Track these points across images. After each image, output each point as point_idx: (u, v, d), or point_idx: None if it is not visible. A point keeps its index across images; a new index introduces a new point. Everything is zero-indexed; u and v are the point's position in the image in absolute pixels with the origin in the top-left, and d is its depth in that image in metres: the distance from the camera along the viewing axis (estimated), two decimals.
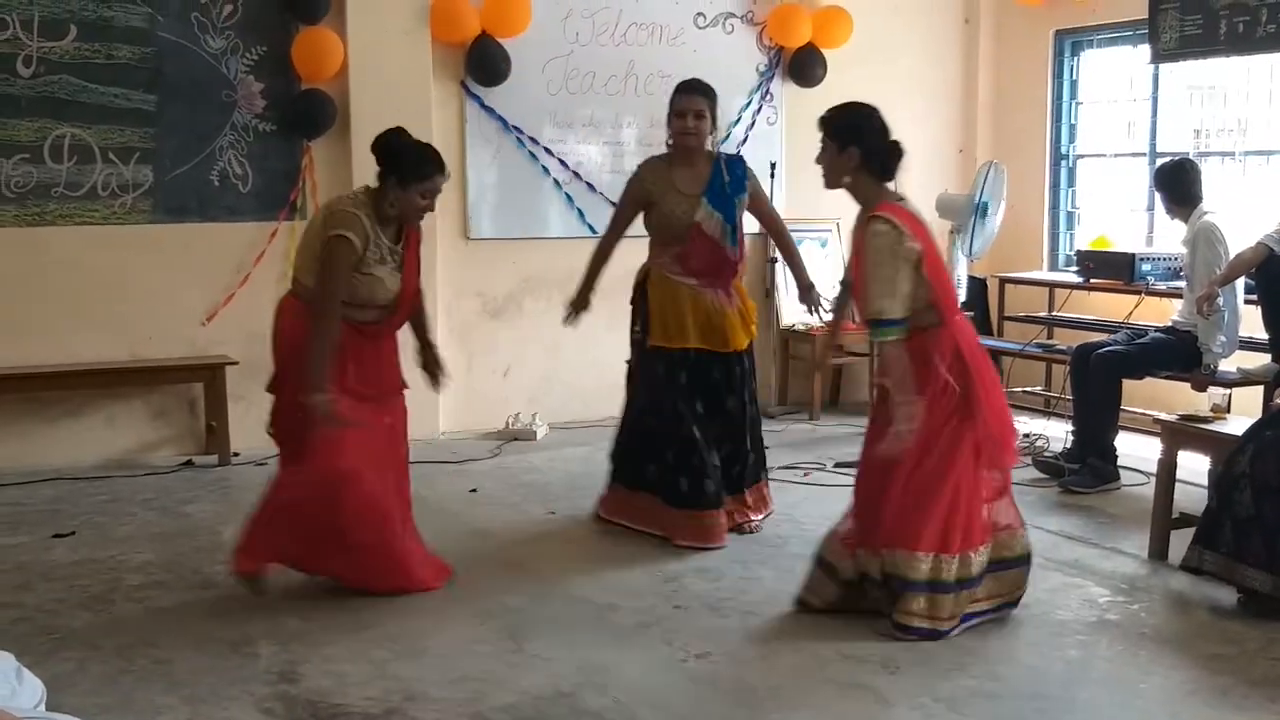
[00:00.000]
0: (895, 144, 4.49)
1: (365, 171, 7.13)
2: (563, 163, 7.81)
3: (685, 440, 5.30)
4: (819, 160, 4.50)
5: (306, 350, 4.46)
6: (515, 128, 7.70)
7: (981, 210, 7.01)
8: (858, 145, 4.41)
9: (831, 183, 4.51)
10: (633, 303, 5.54)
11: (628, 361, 5.62)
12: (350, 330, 4.59)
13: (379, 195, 4.58)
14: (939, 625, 4.25)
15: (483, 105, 7.59)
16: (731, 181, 5.36)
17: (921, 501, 4.24)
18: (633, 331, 5.54)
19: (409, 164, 4.54)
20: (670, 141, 5.39)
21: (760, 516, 5.60)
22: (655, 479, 5.39)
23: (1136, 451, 6.54)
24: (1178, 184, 6.37)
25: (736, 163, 5.49)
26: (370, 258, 4.53)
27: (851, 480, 4.66)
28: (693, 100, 5.31)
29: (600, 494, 5.72)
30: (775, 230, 5.78)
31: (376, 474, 4.64)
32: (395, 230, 4.65)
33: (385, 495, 4.70)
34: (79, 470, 6.67)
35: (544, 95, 7.74)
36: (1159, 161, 7.33)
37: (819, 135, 4.49)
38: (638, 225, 5.51)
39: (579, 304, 5.54)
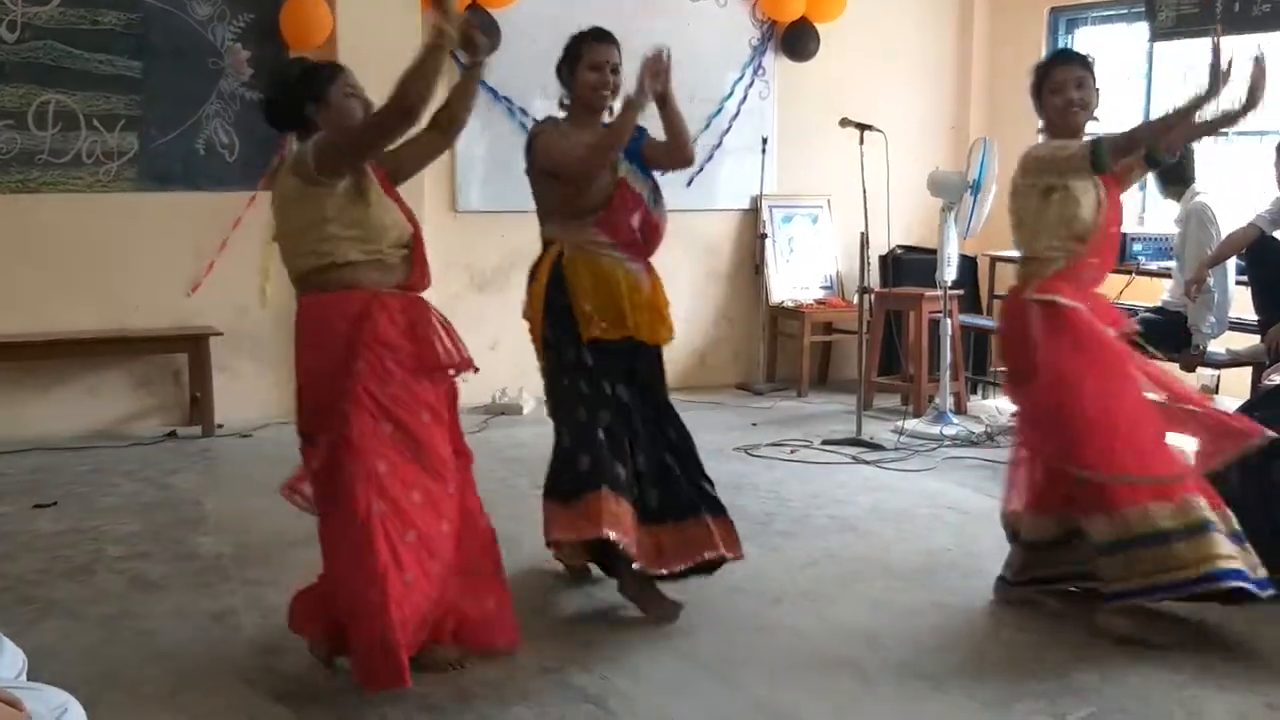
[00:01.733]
0: None
1: None
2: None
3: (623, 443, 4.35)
4: (1088, 100, 4.32)
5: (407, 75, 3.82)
6: (505, 98, 7.64)
7: (975, 188, 7.00)
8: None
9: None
10: (539, 299, 4.51)
11: (549, 395, 4.60)
12: (382, 298, 3.78)
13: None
14: None
15: None
16: (639, 135, 4.44)
17: None
18: (546, 337, 4.52)
19: (313, 79, 3.89)
20: (566, 102, 4.46)
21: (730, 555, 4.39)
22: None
23: None
24: (1171, 164, 6.34)
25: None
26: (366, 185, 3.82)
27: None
28: (610, 51, 4.35)
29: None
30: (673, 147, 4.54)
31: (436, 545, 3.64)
32: None
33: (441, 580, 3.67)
34: (62, 440, 6.63)
35: (534, 66, 7.67)
36: None
37: (1078, 73, 4.30)
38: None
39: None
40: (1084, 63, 4.35)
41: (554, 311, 4.44)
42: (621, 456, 4.28)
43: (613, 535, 4.10)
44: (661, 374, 4.52)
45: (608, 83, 4.35)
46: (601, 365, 4.35)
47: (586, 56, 4.36)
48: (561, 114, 4.49)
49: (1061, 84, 4.28)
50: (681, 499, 4.32)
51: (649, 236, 4.45)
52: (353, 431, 3.56)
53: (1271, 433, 4.18)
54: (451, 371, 4.02)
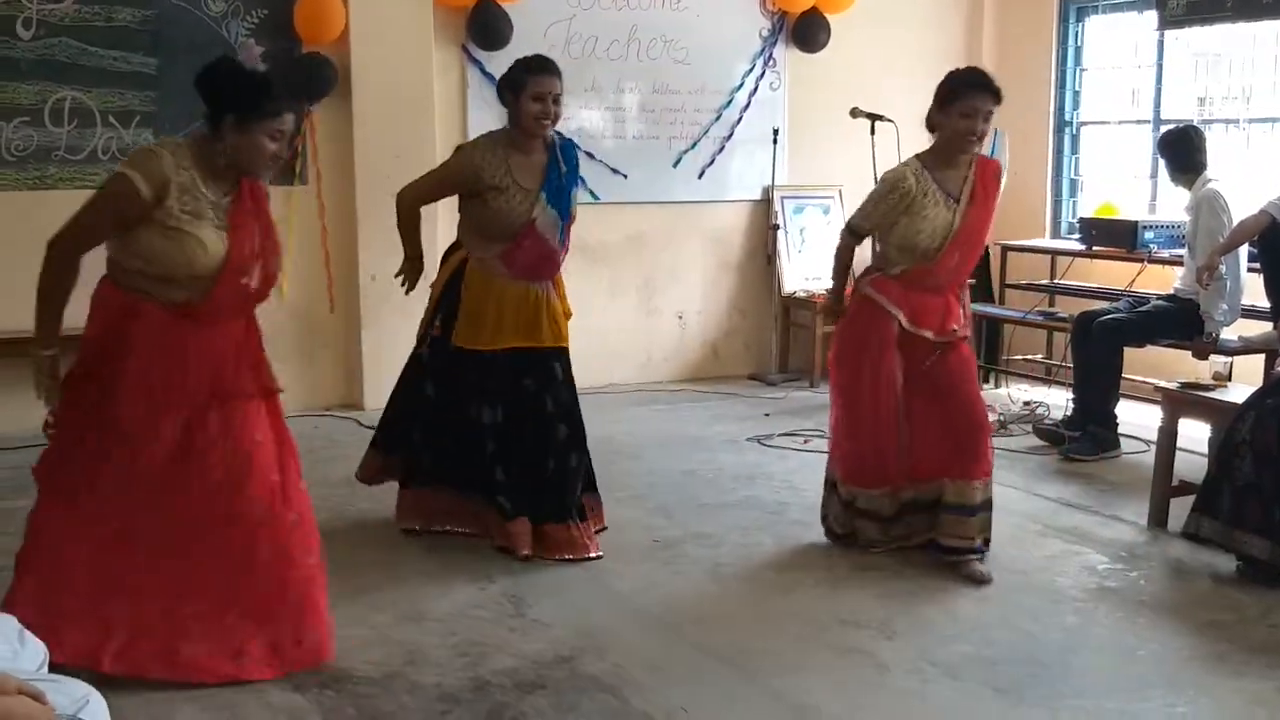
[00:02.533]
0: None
1: (367, 134, 7.19)
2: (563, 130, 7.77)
3: (478, 448, 4.79)
4: (985, 130, 4.56)
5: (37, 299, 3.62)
6: None
7: None
8: None
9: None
10: (439, 294, 4.90)
11: (416, 353, 5.01)
12: (160, 316, 3.60)
13: (205, 142, 3.59)
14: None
15: (484, 70, 7.55)
16: (569, 172, 4.76)
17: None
18: (429, 326, 4.93)
19: (249, 96, 3.53)
20: (515, 126, 4.69)
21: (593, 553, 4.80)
22: (453, 473, 4.87)
23: (1137, 419, 6.54)
24: (1182, 151, 6.35)
25: (570, 149, 4.82)
26: (178, 209, 3.51)
27: None
28: (552, 83, 4.61)
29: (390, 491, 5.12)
30: None
31: (137, 520, 3.63)
32: (229, 186, 3.65)
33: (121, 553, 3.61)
34: None
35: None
36: (1163, 129, 7.30)
37: (987, 105, 4.53)
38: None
39: (413, 270, 4.95)
40: (997, 97, 4.56)
41: (442, 313, 4.86)
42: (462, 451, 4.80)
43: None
44: (556, 379, 4.82)
45: (549, 113, 4.63)
46: (455, 371, 4.79)
47: (530, 87, 4.61)
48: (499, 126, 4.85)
49: (973, 111, 4.49)
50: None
51: (545, 267, 4.78)
52: None
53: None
54: None
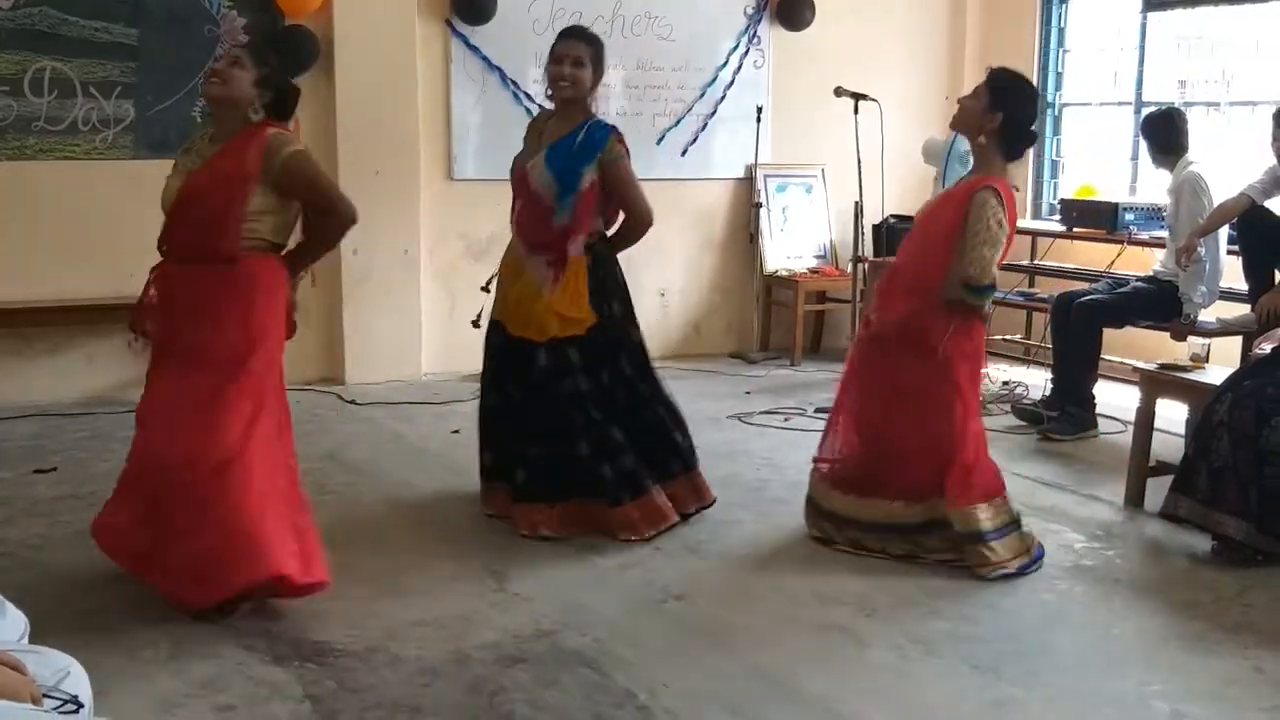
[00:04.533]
0: (1033, 134, 4.58)
1: (350, 108, 7.16)
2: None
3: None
4: (963, 100, 4.54)
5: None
6: (499, 68, 7.64)
7: (962, 159, 7.01)
8: (1004, 112, 4.45)
9: (960, 125, 4.60)
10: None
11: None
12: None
13: None
14: None
15: (468, 44, 7.53)
16: (584, 145, 4.69)
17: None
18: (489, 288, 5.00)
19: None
20: (548, 92, 4.82)
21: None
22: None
23: (1115, 400, 6.58)
24: (1165, 133, 6.38)
25: (601, 131, 4.73)
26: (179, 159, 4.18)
27: None
28: (571, 46, 4.69)
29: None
30: (628, 217, 4.88)
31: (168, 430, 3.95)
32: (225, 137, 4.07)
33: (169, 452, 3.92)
34: (60, 406, 6.65)
35: (530, 34, 7.67)
36: (1145, 111, 7.33)
37: (981, 80, 4.50)
38: None
39: None
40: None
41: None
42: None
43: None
44: (537, 373, 4.72)
45: (563, 75, 4.69)
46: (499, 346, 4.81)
47: (553, 50, 4.76)
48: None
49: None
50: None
51: (542, 238, 4.71)
52: None
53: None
54: None
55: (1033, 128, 4.57)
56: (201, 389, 3.90)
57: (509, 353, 4.79)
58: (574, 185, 4.66)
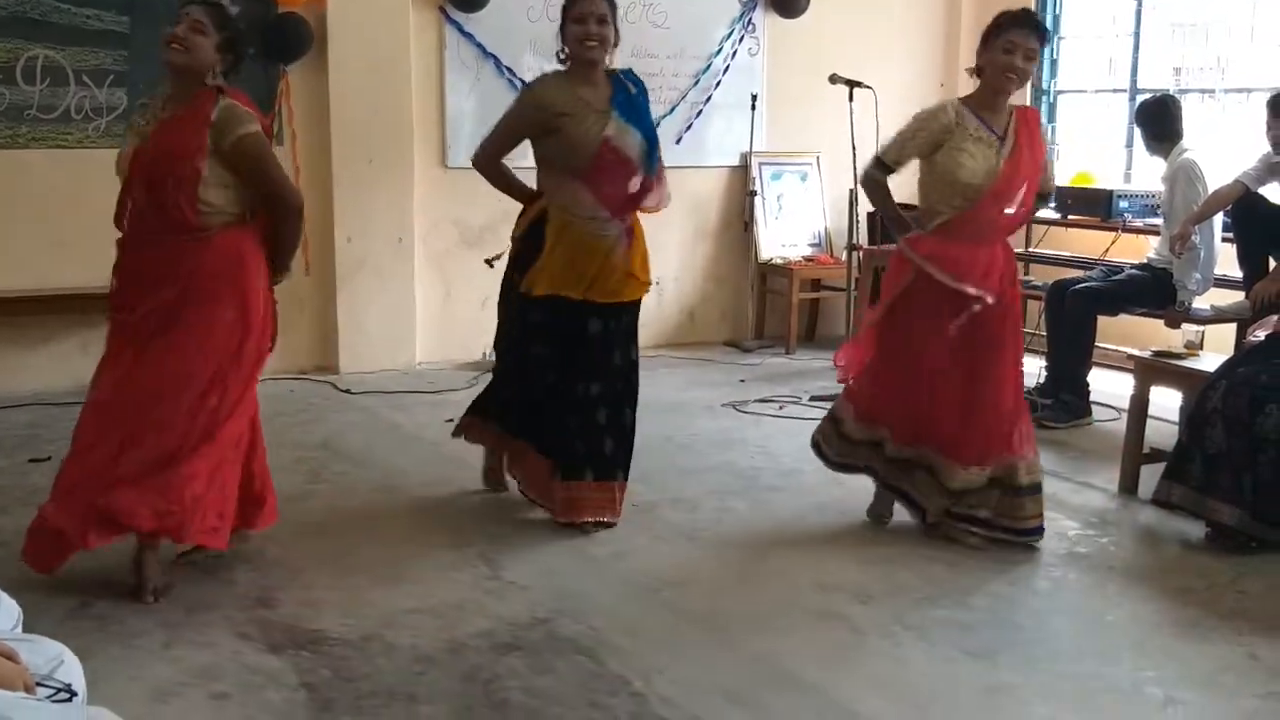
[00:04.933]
0: None
1: (344, 96, 7.15)
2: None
3: (566, 397, 4.67)
4: (1027, 65, 4.43)
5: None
6: (494, 55, 7.62)
7: None
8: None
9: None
10: (522, 243, 4.69)
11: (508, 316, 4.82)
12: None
13: None
14: None
15: (462, 31, 7.51)
16: (641, 96, 4.61)
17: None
18: (512, 277, 4.71)
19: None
20: (564, 55, 4.59)
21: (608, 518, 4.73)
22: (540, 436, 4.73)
23: (1109, 387, 6.59)
24: (1161, 120, 6.37)
25: (632, 74, 4.67)
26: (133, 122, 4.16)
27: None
28: (594, 3, 4.49)
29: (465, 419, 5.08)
30: None
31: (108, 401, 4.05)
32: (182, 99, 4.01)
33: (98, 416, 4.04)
34: (55, 395, 6.63)
35: (524, 22, 7.65)
36: (1139, 98, 7.32)
37: (1030, 43, 4.39)
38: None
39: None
40: (1040, 36, 4.46)
41: (522, 263, 4.64)
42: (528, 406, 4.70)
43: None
44: (617, 334, 4.66)
45: (591, 34, 4.46)
46: (544, 321, 4.58)
47: (573, 9, 4.52)
48: (561, 66, 4.63)
49: (1013, 46, 4.38)
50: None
51: (633, 200, 4.58)
52: None
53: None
54: None
55: None
56: (180, 371, 3.90)
57: (569, 323, 4.59)
58: (653, 135, 4.60)
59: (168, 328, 3.91)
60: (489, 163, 4.77)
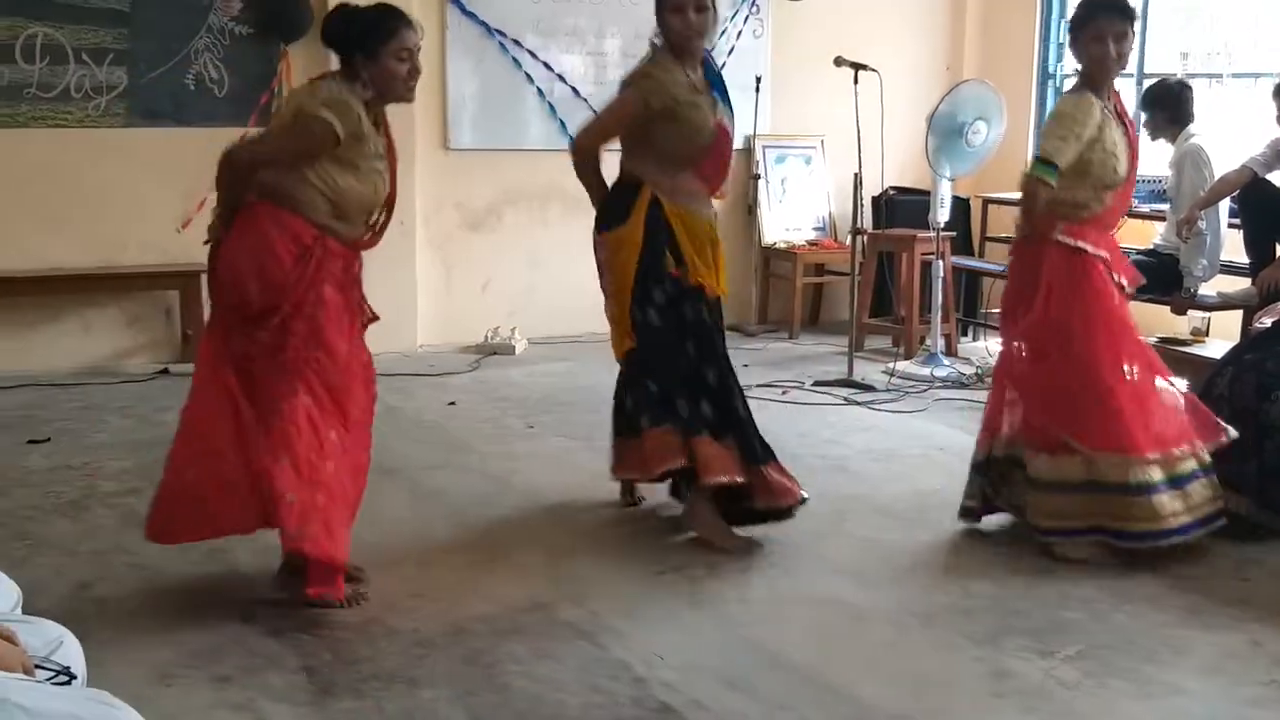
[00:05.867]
0: None
1: None
2: (547, 67, 7.68)
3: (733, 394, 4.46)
4: (1121, 49, 4.31)
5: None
6: (498, 32, 7.57)
7: (959, 130, 6.97)
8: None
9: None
10: (650, 232, 4.35)
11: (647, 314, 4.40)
12: (339, 256, 3.84)
13: (352, 80, 3.85)
14: None
15: (464, 10, 7.47)
16: (718, 76, 4.55)
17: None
18: (661, 270, 4.36)
19: (370, 26, 3.79)
20: (657, 41, 4.44)
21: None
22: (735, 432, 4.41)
23: None
24: (1177, 103, 6.34)
25: (710, 58, 4.58)
26: (368, 150, 3.85)
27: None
28: None
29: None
30: None
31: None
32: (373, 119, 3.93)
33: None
34: (54, 376, 6.62)
35: (527, 2, 7.62)
36: (1146, 83, 7.28)
37: (1122, 26, 4.28)
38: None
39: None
40: (1125, 14, 4.29)
41: (649, 256, 4.35)
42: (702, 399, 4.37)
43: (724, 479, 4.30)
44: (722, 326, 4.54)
45: (690, 23, 4.31)
46: (694, 309, 4.38)
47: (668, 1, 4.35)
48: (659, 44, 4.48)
49: (1101, 34, 4.24)
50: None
51: (712, 179, 4.51)
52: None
53: (1234, 432, 4.30)
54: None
55: None
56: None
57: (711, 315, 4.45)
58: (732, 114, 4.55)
59: None
60: (592, 148, 4.51)
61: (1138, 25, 4.54)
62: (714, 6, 4.40)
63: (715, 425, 4.35)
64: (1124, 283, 4.35)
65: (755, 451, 4.38)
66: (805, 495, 4.44)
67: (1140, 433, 4.19)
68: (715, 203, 4.61)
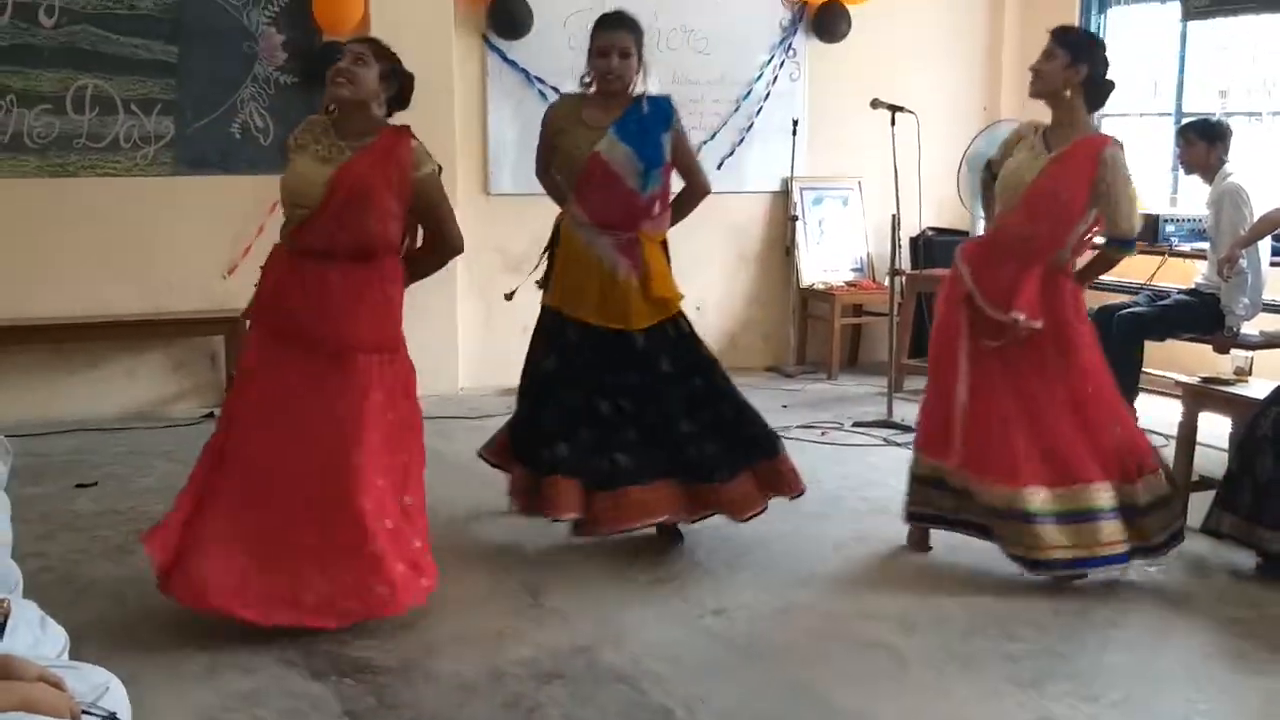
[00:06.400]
0: (1111, 81, 4.56)
1: None
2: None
3: (592, 414, 4.65)
4: (1037, 66, 4.49)
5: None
6: (538, 79, 7.65)
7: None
8: (1088, 65, 4.46)
9: (1044, 90, 4.51)
10: (546, 252, 4.84)
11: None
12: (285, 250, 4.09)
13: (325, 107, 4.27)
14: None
15: (504, 58, 7.56)
16: (651, 114, 4.63)
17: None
18: (540, 284, 4.86)
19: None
20: (588, 81, 4.68)
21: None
22: (570, 460, 4.60)
23: (1157, 414, 6.50)
24: (1222, 139, 6.33)
25: (664, 101, 4.71)
26: (298, 144, 4.18)
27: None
28: (615, 36, 4.56)
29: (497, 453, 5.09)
30: (688, 185, 4.87)
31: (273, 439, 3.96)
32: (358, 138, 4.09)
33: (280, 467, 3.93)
34: (100, 421, 6.70)
35: (565, 49, 7.65)
36: (1184, 120, 7.27)
37: (1047, 43, 4.47)
38: None
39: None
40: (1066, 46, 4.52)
41: (548, 271, 4.79)
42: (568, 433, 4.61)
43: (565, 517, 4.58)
44: (641, 359, 4.66)
45: (611, 69, 4.56)
46: (576, 344, 4.66)
47: (596, 41, 4.61)
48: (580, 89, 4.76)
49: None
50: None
51: (622, 218, 4.63)
52: None
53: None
54: None
55: (1108, 76, 4.55)
56: (342, 389, 3.96)
57: (595, 346, 4.65)
58: (659, 157, 4.62)
59: None
60: (541, 176, 4.92)
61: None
62: (639, 53, 4.61)
63: (570, 462, 4.56)
64: (986, 308, 4.46)
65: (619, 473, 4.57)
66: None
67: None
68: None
